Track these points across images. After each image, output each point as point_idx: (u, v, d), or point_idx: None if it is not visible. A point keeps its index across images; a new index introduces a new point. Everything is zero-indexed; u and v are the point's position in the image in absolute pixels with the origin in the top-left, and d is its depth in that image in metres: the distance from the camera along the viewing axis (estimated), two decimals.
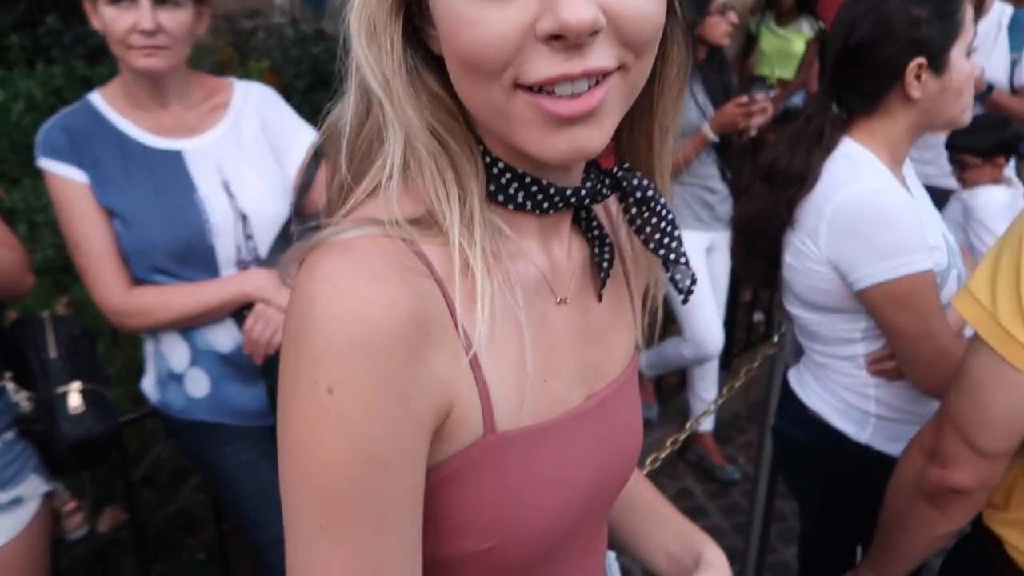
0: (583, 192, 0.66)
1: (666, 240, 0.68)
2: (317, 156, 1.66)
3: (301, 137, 1.70)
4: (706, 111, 2.76)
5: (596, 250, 0.71)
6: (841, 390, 1.56)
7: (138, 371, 2.69)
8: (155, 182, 1.56)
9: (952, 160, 2.77)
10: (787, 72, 4.93)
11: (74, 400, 1.51)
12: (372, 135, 0.63)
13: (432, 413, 0.58)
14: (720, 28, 2.70)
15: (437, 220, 0.60)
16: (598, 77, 0.54)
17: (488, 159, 0.64)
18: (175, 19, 1.48)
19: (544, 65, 0.53)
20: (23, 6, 4.85)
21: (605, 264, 0.71)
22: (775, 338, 2.03)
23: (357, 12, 0.59)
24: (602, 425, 0.71)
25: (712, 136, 2.72)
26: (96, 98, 1.60)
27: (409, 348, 0.55)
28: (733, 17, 2.69)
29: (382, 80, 0.59)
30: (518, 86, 0.54)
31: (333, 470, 0.54)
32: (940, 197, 2.97)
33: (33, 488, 1.46)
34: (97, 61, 4.59)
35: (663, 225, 0.68)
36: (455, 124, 0.62)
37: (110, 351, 2.67)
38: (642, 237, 0.69)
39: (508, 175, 0.64)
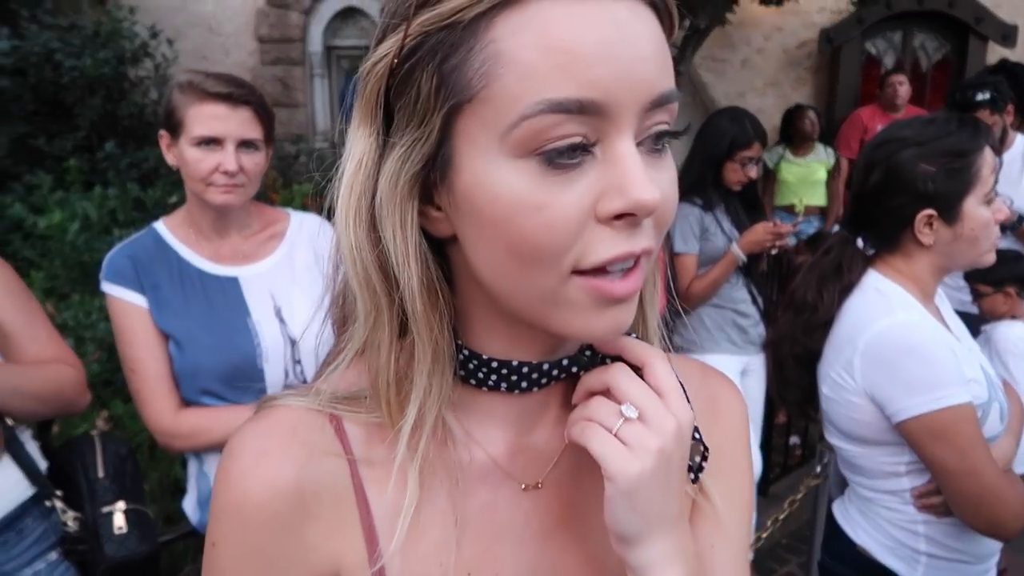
0: (566, 363, 0.63)
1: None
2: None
3: None
4: (732, 237, 2.84)
5: None
6: (888, 526, 1.52)
7: (173, 488, 2.71)
8: (210, 306, 1.63)
9: (970, 289, 2.82)
10: (816, 199, 5.11)
11: (118, 520, 1.53)
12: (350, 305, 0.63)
13: (316, 572, 0.62)
14: (735, 176, 2.84)
15: (379, 399, 0.60)
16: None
17: (455, 344, 0.62)
18: (253, 160, 1.60)
19: (608, 246, 0.52)
20: (83, 132, 5.19)
21: None
22: (818, 468, 2.00)
23: (355, 188, 0.57)
24: None
25: (741, 256, 2.80)
26: (161, 227, 1.70)
27: (281, 521, 0.60)
28: (753, 172, 2.83)
29: (375, 268, 0.57)
30: (575, 272, 0.53)
31: None
32: (973, 323, 2.98)
33: None
34: (150, 184, 4.86)
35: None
36: (447, 319, 0.59)
37: (146, 467, 2.69)
38: None
39: (474, 362, 0.62)
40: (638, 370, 0.61)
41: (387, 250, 0.56)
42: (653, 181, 0.52)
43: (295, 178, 5.52)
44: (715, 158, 2.80)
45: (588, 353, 0.64)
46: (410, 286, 0.56)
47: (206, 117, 1.54)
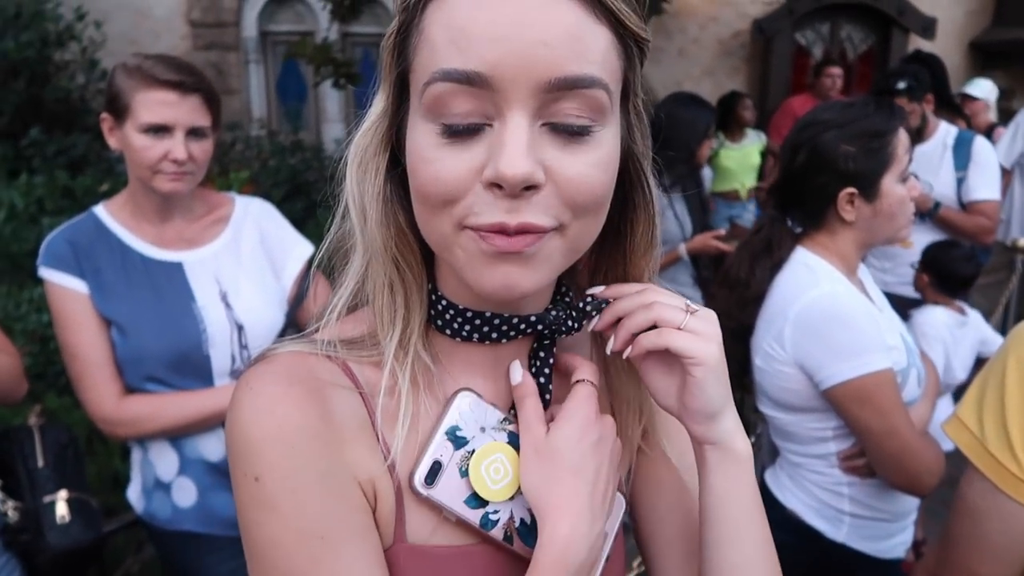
0: (533, 319, 0.70)
1: None
2: (311, 269, 1.74)
3: (297, 251, 1.78)
4: (683, 222, 2.96)
5: (539, 381, 0.72)
6: (815, 488, 1.62)
7: (112, 481, 2.66)
8: (154, 292, 1.62)
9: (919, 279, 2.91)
10: (753, 180, 5.31)
11: (61, 509, 1.51)
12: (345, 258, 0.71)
13: (363, 492, 0.65)
14: (707, 151, 3.02)
15: (378, 340, 0.69)
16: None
17: (434, 296, 0.71)
18: (202, 147, 1.58)
19: (487, 212, 0.58)
20: (6, 118, 4.97)
21: (547, 396, 0.72)
22: (751, 439, 2.08)
23: (355, 143, 0.68)
24: None
25: (686, 257, 2.95)
26: (101, 211, 1.67)
27: (321, 439, 0.63)
28: (713, 141, 3.10)
29: (360, 206, 0.67)
30: (465, 227, 0.60)
31: (274, 549, 0.62)
32: (899, 304, 3.13)
33: None
34: (79, 171, 4.70)
35: None
36: (412, 259, 0.68)
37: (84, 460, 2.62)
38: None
39: (451, 311, 0.70)
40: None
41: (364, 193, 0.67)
42: (529, 157, 0.56)
43: (231, 166, 5.41)
44: (693, 143, 2.94)
45: (553, 313, 0.71)
46: (372, 222, 0.67)
47: (155, 104, 1.51)
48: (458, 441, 0.69)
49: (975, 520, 1.01)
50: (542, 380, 0.72)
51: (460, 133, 0.58)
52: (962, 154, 3.20)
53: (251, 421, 0.63)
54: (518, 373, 0.71)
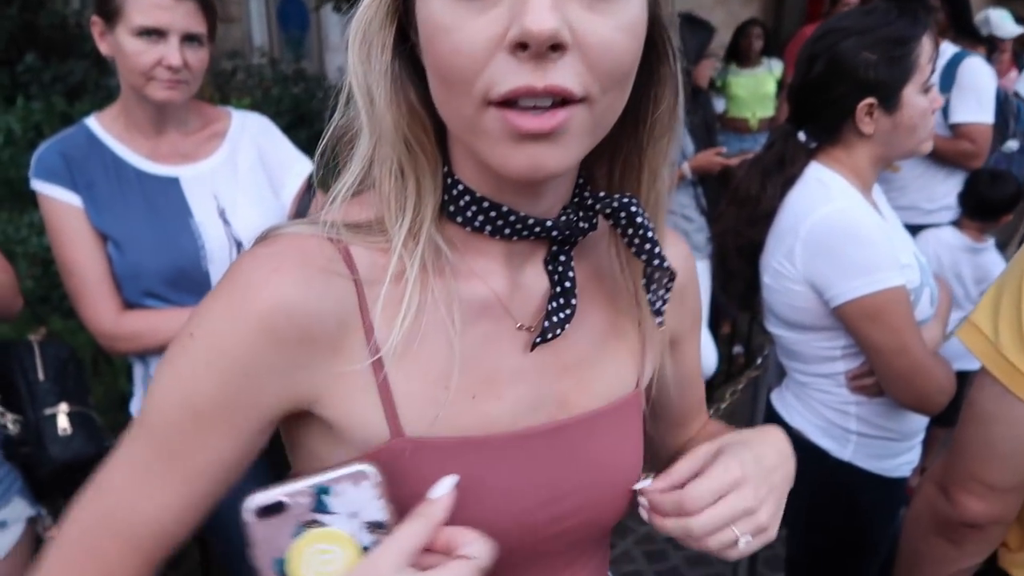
0: (549, 224, 0.66)
1: (655, 250, 0.68)
2: (312, 185, 1.69)
3: (297, 167, 1.73)
4: (684, 146, 2.89)
5: (554, 289, 0.69)
6: (822, 408, 1.60)
7: (119, 400, 2.67)
8: (150, 207, 1.58)
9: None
10: (767, 111, 5.15)
11: (62, 422, 1.50)
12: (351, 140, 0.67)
13: (279, 402, 0.63)
14: (706, 71, 2.92)
15: (385, 227, 0.65)
16: (562, 99, 0.55)
17: (450, 180, 0.66)
18: (197, 56, 1.52)
19: (512, 77, 0.54)
20: (2, 44, 4.87)
21: (554, 305, 0.68)
22: (758, 360, 2.08)
23: (356, 18, 0.63)
24: (557, 455, 0.70)
25: (689, 176, 2.90)
26: (93, 123, 1.61)
27: (275, 336, 0.60)
28: (715, 62, 3.00)
29: (365, 86, 0.63)
30: (489, 103, 0.56)
31: (157, 405, 0.63)
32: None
33: (18, 512, 1.44)
34: (77, 98, 4.62)
35: (649, 238, 0.68)
36: (425, 140, 0.64)
37: (91, 380, 2.64)
38: (643, 257, 0.69)
39: (467, 197, 0.66)
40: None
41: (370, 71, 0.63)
42: (556, 12, 0.52)
43: (233, 95, 5.31)
44: (688, 62, 2.88)
45: (563, 219, 0.67)
46: (380, 101, 0.62)
47: (149, 6, 1.45)
48: (320, 504, 0.59)
49: (984, 425, 0.99)
50: (567, 284, 0.69)
51: None
52: (948, 76, 2.98)
53: (223, 292, 0.62)
54: (441, 489, 0.62)
